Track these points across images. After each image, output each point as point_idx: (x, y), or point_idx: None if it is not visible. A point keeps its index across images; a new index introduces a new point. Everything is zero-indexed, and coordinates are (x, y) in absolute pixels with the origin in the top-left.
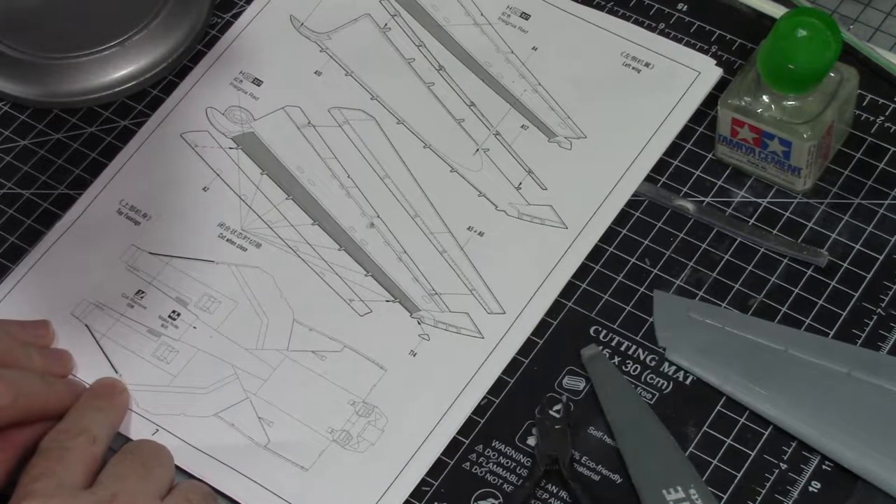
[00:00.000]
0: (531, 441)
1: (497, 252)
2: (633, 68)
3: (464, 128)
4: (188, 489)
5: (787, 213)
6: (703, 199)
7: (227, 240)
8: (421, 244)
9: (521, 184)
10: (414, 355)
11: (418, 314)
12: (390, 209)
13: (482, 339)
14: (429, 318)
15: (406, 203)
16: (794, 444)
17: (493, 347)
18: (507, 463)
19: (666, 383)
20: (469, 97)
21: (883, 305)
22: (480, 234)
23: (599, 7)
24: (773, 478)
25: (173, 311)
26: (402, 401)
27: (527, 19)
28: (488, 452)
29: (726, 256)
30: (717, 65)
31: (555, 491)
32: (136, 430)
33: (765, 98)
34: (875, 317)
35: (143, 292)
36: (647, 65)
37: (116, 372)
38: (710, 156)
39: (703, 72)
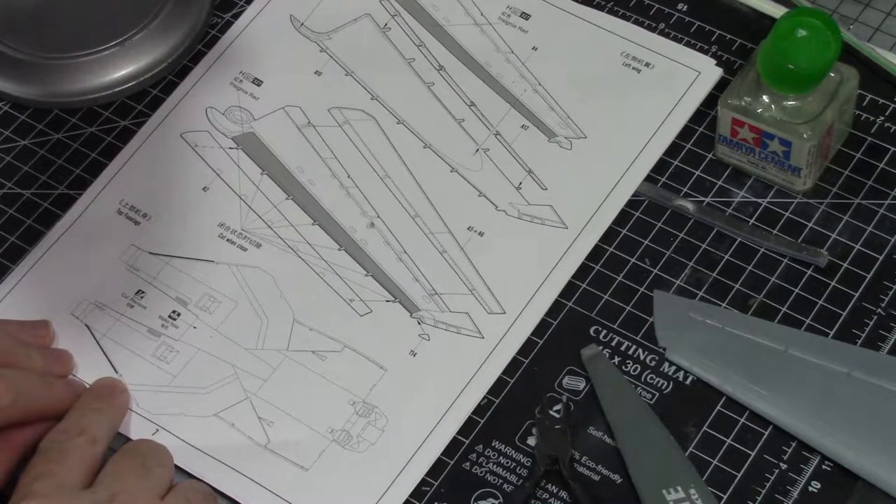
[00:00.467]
0: (531, 441)
1: (497, 252)
2: (633, 68)
3: (464, 128)
4: (188, 488)
5: (787, 213)
6: (703, 199)
7: (227, 240)
8: (421, 244)
9: (521, 184)
10: (414, 355)
11: (418, 314)
12: (390, 209)
13: (482, 339)
14: (429, 318)
15: (406, 203)
16: (794, 444)
17: (493, 347)
18: (507, 463)
19: (666, 383)
20: (469, 97)
21: (883, 305)
22: (480, 234)
23: (599, 7)
24: (773, 478)
25: (173, 311)
26: (402, 401)
27: (527, 19)
28: (488, 452)
29: (726, 256)
30: (717, 65)
31: (555, 491)
32: (137, 429)
33: (765, 98)
34: (875, 317)
35: (143, 292)
36: (647, 65)
37: (116, 372)
38: (710, 156)
39: (703, 72)
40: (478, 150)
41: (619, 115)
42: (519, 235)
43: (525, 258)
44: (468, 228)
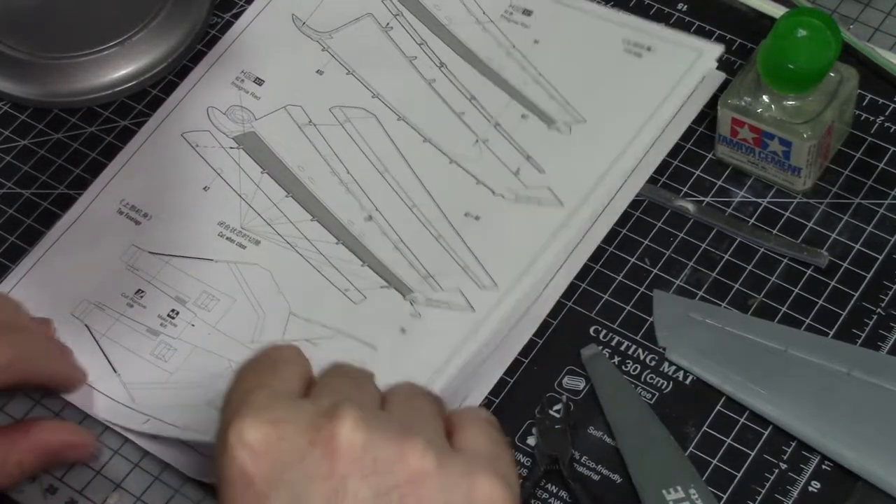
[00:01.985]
0: (531, 441)
1: (492, 232)
2: (635, 53)
3: (464, 121)
4: (406, 396)
5: (787, 213)
6: (703, 199)
7: (227, 238)
8: (417, 232)
9: (518, 170)
10: (404, 332)
11: (411, 296)
12: (388, 201)
13: (473, 312)
14: (421, 298)
15: (404, 194)
16: (794, 444)
17: (482, 320)
18: None
19: (666, 383)
20: (469, 91)
21: (883, 305)
22: (476, 217)
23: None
24: (773, 478)
25: (172, 310)
26: (391, 377)
27: (529, 15)
28: None
29: (726, 256)
30: (718, 66)
31: (555, 491)
32: (130, 422)
33: (765, 98)
34: (875, 317)
35: (142, 292)
36: (648, 49)
37: (115, 371)
38: (710, 156)
39: (704, 52)
40: (477, 140)
41: (621, 99)
42: (514, 216)
43: (519, 235)
44: (465, 214)
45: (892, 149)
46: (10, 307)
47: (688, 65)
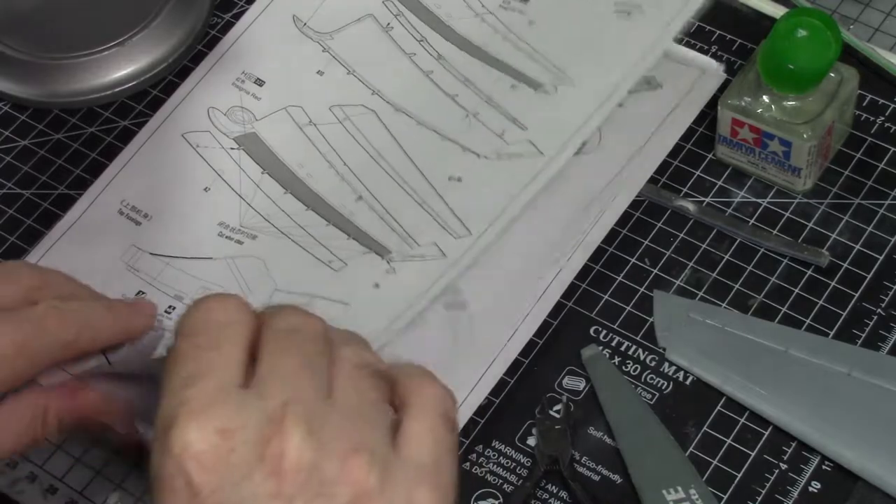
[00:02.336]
0: (531, 441)
1: (474, 191)
2: (625, 13)
3: (457, 101)
4: (351, 374)
5: (787, 214)
6: (703, 199)
7: (226, 237)
8: (402, 200)
9: (504, 131)
10: (378, 288)
11: (389, 255)
12: (379, 183)
13: (445, 257)
14: (398, 256)
15: (395, 175)
16: (794, 444)
17: (453, 263)
18: (507, 463)
19: (666, 383)
20: (464, 75)
21: (883, 305)
22: (459, 179)
23: None
24: (773, 478)
25: (169, 307)
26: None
27: (525, 2)
28: (488, 452)
29: (726, 256)
30: (718, 65)
31: (555, 491)
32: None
33: (765, 98)
34: (875, 317)
35: (142, 293)
36: (637, 7)
37: (109, 362)
38: (710, 156)
39: (689, 3)
40: (467, 115)
41: (606, 55)
42: (496, 172)
43: (499, 188)
44: (448, 179)
45: (893, 149)
46: (60, 278)
47: (673, 16)
